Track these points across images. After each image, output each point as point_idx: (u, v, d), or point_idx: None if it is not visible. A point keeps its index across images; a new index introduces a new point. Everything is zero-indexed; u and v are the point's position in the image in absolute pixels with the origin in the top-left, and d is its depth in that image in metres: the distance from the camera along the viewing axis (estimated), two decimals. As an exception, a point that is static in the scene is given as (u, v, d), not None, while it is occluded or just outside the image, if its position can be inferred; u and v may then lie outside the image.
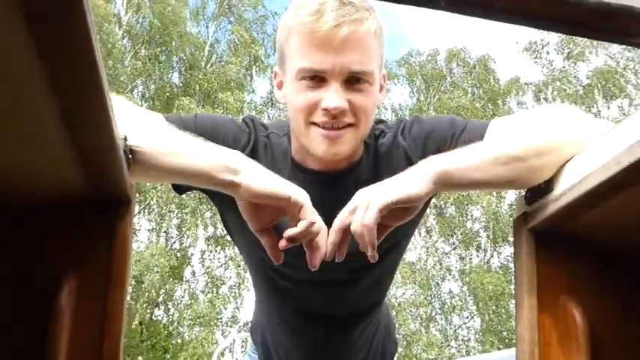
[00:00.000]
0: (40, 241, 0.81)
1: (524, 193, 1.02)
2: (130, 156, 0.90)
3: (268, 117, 16.96)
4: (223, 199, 1.29)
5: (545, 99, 17.82)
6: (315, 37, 1.11)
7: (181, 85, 16.67)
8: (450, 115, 1.37)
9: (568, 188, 0.90)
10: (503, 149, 1.02)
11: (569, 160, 0.95)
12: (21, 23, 0.49)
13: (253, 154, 1.21)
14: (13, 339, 0.78)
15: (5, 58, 0.53)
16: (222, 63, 16.65)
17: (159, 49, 16.34)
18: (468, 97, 17.79)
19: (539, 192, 0.98)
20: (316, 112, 1.14)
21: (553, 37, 17.48)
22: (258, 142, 1.26)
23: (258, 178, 0.99)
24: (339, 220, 1.02)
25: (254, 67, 17.30)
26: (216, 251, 16.08)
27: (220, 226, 15.51)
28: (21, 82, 0.58)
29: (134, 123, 0.95)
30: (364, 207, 0.98)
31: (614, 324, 0.93)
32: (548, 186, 0.97)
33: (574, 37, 16.69)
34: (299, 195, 1.00)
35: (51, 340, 0.76)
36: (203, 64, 16.61)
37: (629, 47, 16.26)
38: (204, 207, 14.97)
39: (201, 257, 16.03)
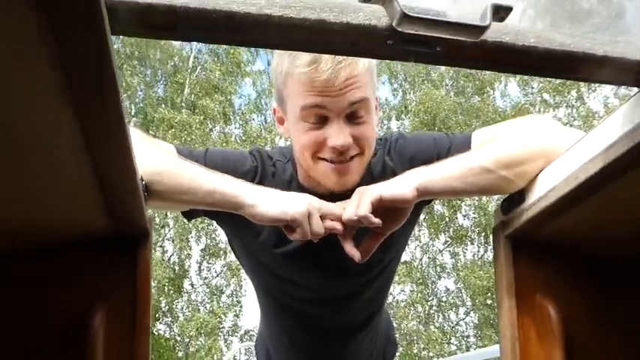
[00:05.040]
0: (73, 273, 0.92)
1: (500, 204, 1.13)
2: (145, 193, 1.00)
3: (254, 121, 17.06)
4: (229, 224, 1.40)
5: (532, 93, 17.96)
6: (314, 85, 1.18)
7: (166, 97, 16.72)
8: (433, 133, 1.46)
9: (536, 200, 1.02)
10: (476, 161, 1.12)
11: (539, 172, 1.06)
12: (56, 86, 0.57)
13: (262, 184, 1.29)
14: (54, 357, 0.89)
15: (44, 117, 0.62)
16: (205, 72, 16.72)
17: (142, 63, 16.40)
18: (450, 93, 17.85)
19: (513, 203, 1.09)
20: (323, 149, 1.22)
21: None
22: (266, 172, 1.35)
23: (262, 205, 1.10)
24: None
25: (237, 72, 17.37)
26: (212, 262, 16.12)
27: (215, 237, 15.63)
28: (55, 137, 0.67)
29: (148, 158, 1.05)
30: (357, 201, 1.11)
31: (585, 316, 1.04)
32: (520, 197, 1.08)
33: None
34: (296, 215, 1.10)
35: (87, 357, 0.87)
36: (187, 75, 16.65)
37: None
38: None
39: (199, 269, 16.07)
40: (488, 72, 18.43)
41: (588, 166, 0.87)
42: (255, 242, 1.37)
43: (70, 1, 0.48)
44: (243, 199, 1.09)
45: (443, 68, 18.63)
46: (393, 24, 0.63)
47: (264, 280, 1.49)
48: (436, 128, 16.17)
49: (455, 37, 0.65)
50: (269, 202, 1.10)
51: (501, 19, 0.65)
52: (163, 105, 15.64)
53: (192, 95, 16.27)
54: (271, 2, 0.64)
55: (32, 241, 0.90)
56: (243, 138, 16.38)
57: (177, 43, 17.20)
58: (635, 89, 0.80)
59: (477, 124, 16.69)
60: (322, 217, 1.13)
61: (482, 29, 0.64)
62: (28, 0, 0.46)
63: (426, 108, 16.62)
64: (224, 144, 15.37)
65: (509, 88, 18.62)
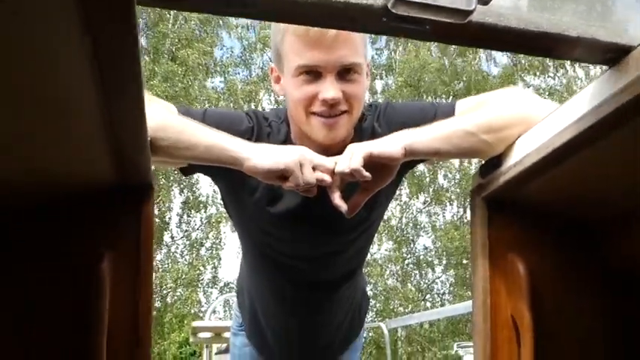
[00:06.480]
0: (83, 224, 0.99)
1: (479, 168, 1.22)
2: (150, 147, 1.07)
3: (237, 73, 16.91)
4: (224, 182, 1.47)
5: (519, 61, 18.02)
6: (309, 37, 1.26)
7: (149, 47, 16.46)
8: (420, 102, 1.54)
9: (512, 164, 1.10)
10: (460, 125, 1.21)
11: (517, 139, 1.15)
12: (79, 26, 0.59)
13: (257, 142, 1.35)
14: (64, 301, 0.96)
15: (64, 68, 0.66)
16: (187, 22, 16.45)
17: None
18: (434, 53, 17.83)
19: (490, 166, 1.17)
20: (315, 103, 1.30)
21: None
22: (262, 132, 1.42)
23: (257, 158, 1.17)
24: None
25: (219, 22, 17.14)
26: (192, 215, 16.18)
27: (196, 190, 15.67)
28: (73, 91, 0.71)
29: (151, 114, 1.10)
30: (349, 155, 1.19)
31: (549, 273, 1.14)
32: (498, 161, 1.16)
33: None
34: (289, 163, 1.17)
35: (95, 301, 0.94)
36: (170, 25, 16.39)
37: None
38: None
39: (179, 221, 16.13)
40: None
41: (559, 136, 0.95)
42: (249, 200, 1.44)
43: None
44: (240, 154, 1.17)
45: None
46: (388, 5, 0.70)
47: (254, 236, 1.58)
48: (421, 89, 16.21)
49: (443, 20, 0.72)
50: (264, 155, 1.18)
51: (485, 3, 0.72)
52: (146, 57, 15.44)
53: (174, 47, 16.06)
54: (280, -19, 0.70)
55: (45, 193, 0.96)
56: (224, 90, 16.29)
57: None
58: (605, 67, 0.88)
59: (461, 86, 16.77)
60: (314, 169, 1.20)
61: (468, 13, 0.72)
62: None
63: (411, 67, 16.63)
64: (205, 96, 15.30)
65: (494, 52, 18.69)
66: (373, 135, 1.40)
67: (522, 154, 1.08)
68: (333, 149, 1.31)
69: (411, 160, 1.24)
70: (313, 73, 1.29)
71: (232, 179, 1.37)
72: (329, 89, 1.28)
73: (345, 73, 1.30)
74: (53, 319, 0.96)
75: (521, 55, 18.35)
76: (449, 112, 1.36)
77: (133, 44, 0.67)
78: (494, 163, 1.17)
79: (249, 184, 1.38)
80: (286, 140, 1.43)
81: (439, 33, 0.78)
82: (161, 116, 1.15)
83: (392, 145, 1.18)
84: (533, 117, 1.12)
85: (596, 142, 0.89)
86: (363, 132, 1.43)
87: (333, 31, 1.25)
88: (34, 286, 0.96)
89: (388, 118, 1.44)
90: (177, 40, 16.07)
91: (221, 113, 1.46)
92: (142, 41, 16.44)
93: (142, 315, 0.99)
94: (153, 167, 1.11)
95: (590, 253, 1.17)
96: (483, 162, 1.21)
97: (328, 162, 1.22)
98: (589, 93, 0.91)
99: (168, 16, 16.49)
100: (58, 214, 0.99)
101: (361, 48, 1.32)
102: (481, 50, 18.66)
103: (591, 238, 1.17)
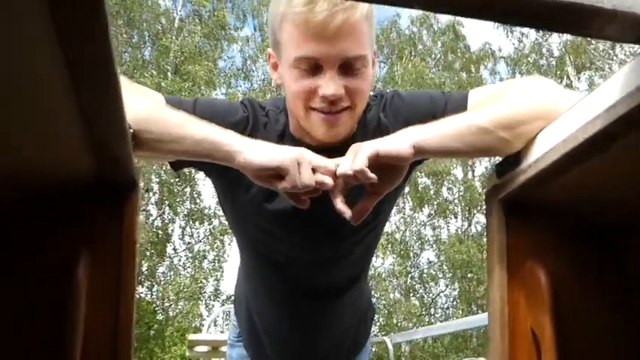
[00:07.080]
0: (58, 221, 0.89)
1: (495, 167, 1.12)
2: (133, 141, 0.97)
3: (240, 87, 16.98)
4: (218, 177, 1.37)
5: (521, 72, 17.99)
6: (309, 27, 1.15)
7: (151, 60, 16.49)
8: (428, 91, 1.44)
9: (534, 161, 1.00)
10: (474, 121, 1.10)
11: (537, 134, 1.04)
12: (44, 11, 0.53)
13: (253, 134, 1.26)
14: (37, 306, 0.87)
15: (28, 52, 0.58)
16: (190, 35, 16.50)
17: (127, 24, 16.10)
18: (437, 66, 17.84)
19: (508, 165, 1.07)
20: (314, 98, 1.20)
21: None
22: (257, 122, 1.32)
23: (250, 153, 1.07)
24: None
25: (221, 35, 17.22)
26: (195, 227, 16.11)
27: (199, 202, 15.60)
28: (41, 77, 0.63)
29: (135, 105, 1.01)
30: (352, 156, 1.08)
31: (575, 283, 1.03)
32: (516, 159, 1.06)
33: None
34: (285, 161, 1.07)
35: (71, 307, 0.85)
36: (173, 38, 16.42)
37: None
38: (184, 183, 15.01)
39: (182, 233, 16.07)
40: (476, 50, 18.60)
41: (588, 127, 0.85)
42: (246, 196, 1.34)
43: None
44: (232, 148, 1.07)
45: (429, 42, 18.67)
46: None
47: (248, 233, 1.47)
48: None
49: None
50: (258, 150, 1.08)
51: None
52: (152, 72, 15.46)
53: (177, 60, 16.09)
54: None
55: (18, 191, 0.88)
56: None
57: (163, 3, 16.97)
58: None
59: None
60: (313, 170, 1.09)
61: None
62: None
63: (412, 80, 16.61)
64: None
65: (498, 67, 18.75)
66: (379, 126, 1.30)
67: (543, 151, 0.98)
68: (333, 145, 1.21)
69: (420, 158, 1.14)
70: (313, 66, 1.19)
71: (226, 174, 1.26)
72: (329, 85, 1.18)
73: (348, 66, 1.19)
74: (23, 324, 0.87)
75: (523, 68, 18.45)
76: (461, 102, 1.26)
77: (102, 28, 0.59)
78: (511, 161, 1.07)
79: (245, 180, 1.27)
80: (284, 131, 1.33)
81: (457, 4, 0.68)
82: (146, 107, 1.05)
83: (399, 143, 1.08)
84: (556, 109, 1.02)
85: (633, 131, 0.79)
86: (367, 123, 1.33)
87: (335, 23, 1.14)
88: (4, 288, 0.87)
89: (395, 109, 1.34)
90: (180, 53, 16.10)
91: (213, 103, 1.35)
92: (146, 54, 16.50)
93: (122, 323, 0.89)
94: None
95: (608, 256, 1.07)
96: (499, 161, 1.11)
97: (329, 163, 1.11)
98: (620, 79, 0.81)
99: (172, 29, 16.56)
100: (33, 214, 0.90)
101: (367, 38, 1.22)
102: (485, 63, 18.70)
103: (610, 240, 1.07)
